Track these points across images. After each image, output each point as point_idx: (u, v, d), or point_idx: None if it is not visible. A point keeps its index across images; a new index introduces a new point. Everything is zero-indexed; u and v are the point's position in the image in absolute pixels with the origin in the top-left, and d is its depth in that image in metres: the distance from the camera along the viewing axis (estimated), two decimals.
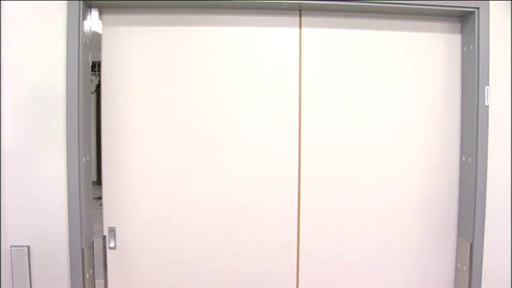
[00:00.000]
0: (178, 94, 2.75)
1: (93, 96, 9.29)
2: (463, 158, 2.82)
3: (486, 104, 2.70)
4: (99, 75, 9.35)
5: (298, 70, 2.77)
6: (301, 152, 2.78)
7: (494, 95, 2.72)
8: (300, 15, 2.77)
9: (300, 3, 2.64)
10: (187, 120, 2.75)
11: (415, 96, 2.81)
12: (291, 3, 2.64)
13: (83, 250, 2.58)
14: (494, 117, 2.73)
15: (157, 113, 2.74)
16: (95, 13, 2.70)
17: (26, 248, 2.59)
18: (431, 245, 2.88)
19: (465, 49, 2.78)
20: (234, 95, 2.75)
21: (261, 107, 2.76)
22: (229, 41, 2.75)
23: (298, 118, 2.78)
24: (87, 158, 2.65)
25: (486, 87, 2.69)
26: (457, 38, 2.83)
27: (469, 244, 2.77)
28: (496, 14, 2.70)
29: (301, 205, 2.80)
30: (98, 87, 9.55)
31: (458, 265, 2.86)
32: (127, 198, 2.76)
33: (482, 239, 2.75)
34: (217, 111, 2.75)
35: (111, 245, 2.77)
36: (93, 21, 2.71)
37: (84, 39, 2.57)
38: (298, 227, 2.80)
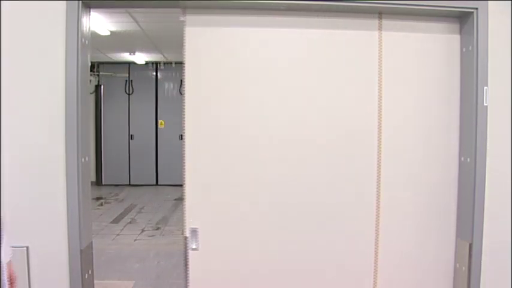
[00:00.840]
0: (259, 94, 2.73)
1: (92, 97, 9.33)
2: (462, 158, 2.82)
3: (485, 104, 2.70)
4: (98, 75, 9.36)
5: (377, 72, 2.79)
6: (381, 149, 2.80)
7: (493, 96, 2.72)
8: (380, 18, 2.77)
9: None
10: (268, 121, 2.73)
11: (414, 97, 2.81)
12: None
13: (81, 251, 2.58)
14: (493, 117, 2.73)
15: (238, 112, 2.72)
16: (94, 13, 2.71)
17: (25, 248, 2.59)
18: (431, 245, 2.89)
19: (464, 50, 2.78)
20: (313, 95, 2.75)
21: (340, 109, 2.75)
22: (308, 43, 2.74)
23: (378, 123, 2.79)
24: (86, 159, 2.66)
25: (485, 87, 2.69)
26: (455, 39, 2.83)
27: (467, 244, 2.77)
28: (494, 14, 2.70)
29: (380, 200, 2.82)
30: (97, 87, 9.60)
31: (457, 265, 2.86)
32: (208, 199, 2.74)
33: (481, 239, 2.75)
34: (295, 112, 2.74)
35: (193, 246, 2.74)
36: (91, 22, 2.71)
37: (83, 40, 2.57)
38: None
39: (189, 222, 2.72)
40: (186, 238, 2.72)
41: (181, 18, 2.70)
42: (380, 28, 2.77)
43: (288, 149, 2.73)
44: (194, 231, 2.72)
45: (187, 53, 2.74)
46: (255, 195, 2.73)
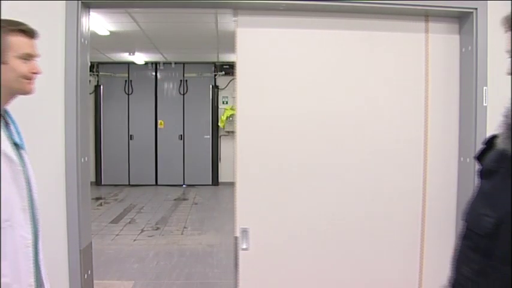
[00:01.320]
0: (308, 94, 2.72)
1: (92, 97, 9.36)
2: (461, 159, 2.82)
3: (484, 104, 2.70)
4: (98, 75, 9.39)
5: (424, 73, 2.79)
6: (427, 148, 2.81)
7: (493, 96, 2.72)
8: (427, 21, 2.77)
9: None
10: (318, 122, 2.73)
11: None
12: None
13: (81, 251, 2.58)
14: (493, 117, 2.73)
15: (289, 113, 2.72)
16: (93, 13, 2.70)
17: None
18: (431, 244, 2.88)
19: (463, 50, 2.78)
20: (360, 97, 2.75)
21: (386, 111, 2.76)
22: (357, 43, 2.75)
23: (424, 124, 2.80)
24: (86, 159, 2.65)
25: (484, 87, 2.69)
26: (455, 39, 2.83)
27: None
28: (494, 14, 2.70)
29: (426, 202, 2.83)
30: (97, 87, 9.63)
31: None
32: (259, 198, 2.74)
33: None
34: (350, 113, 2.74)
35: (244, 246, 2.73)
36: (91, 22, 2.71)
37: (82, 40, 2.57)
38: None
39: (240, 222, 2.73)
40: (236, 238, 2.73)
41: (234, 19, 2.74)
42: (427, 30, 2.79)
43: (342, 152, 2.74)
44: (245, 231, 2.72)
45: (238, 52, 2.78)
46: (306, 195, 2.72)
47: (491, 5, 2.70)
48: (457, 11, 2.71)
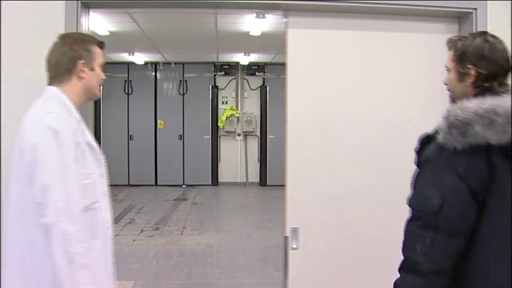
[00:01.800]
0: (358, 96, 2.74)
1: None
2: None
3: None
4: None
5: None
6: None
7: None
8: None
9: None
10: (367, 125, 2.74)
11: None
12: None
13: None
14: None
15: (338, 114, 2.73)
16: (93, 13, 2.70)
17: None
18: None
19: None
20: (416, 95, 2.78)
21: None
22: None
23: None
24: None
25: None
26: None
27: None
28: (494, 14, 2.70)
29: None
30: None
31: None
32: (308, 201, 2.73)
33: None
34: (402, 112, 2.76)
35: (294, 245, 2.71)
36: (90, 22, 2.71)
37: None
38: None
39: (290, 222, 2.72)
40: (286, 238, 2.71)
41: (284, 20, 2.76)
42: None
43: (391, 154, 2.75)
44: (295, 231, 2.70)
45: (289, 53, 2.80)
46: (356, 193, 2.73)
47: (491, 5, 2.70)
48: (457, 11, 2.71)
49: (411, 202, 1.45)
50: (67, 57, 1.78)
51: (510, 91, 1.46)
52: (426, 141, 1.48)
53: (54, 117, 1.68)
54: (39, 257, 1.55)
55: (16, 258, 1.65)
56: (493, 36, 1.62)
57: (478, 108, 1.33)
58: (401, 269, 1.44)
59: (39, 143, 1.65)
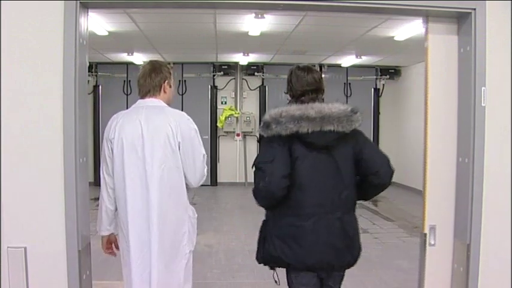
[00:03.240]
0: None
1: (90, 97, 9.32)
2: (460, 159, 2.82)
3: (483, 105, 2.70)
4: (97, 76, 9.38)
5: None
6: None
7: (491, 96, 2.72)
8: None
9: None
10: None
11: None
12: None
13: (79, 251, 2.57)
14: (491, 118, 2.73)
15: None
16: (91, 14, 2.70)
17: (23, 249, 2.58)
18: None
19: (462, 50, 2.79)
20: None
21: None
22: None
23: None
24: (84, 159, 2.65)
25: (483, 88, 2.69)
26: (453, 39, 2.83)
27: (465, 245, 2.77)
28: (492, 15, 2.70)
29: None
30: (95, 88, 9.60)
31: (455, 266, 2.86)
32: (446, 196, 2.82)
33: (479, 240, 2.75)
34: None
35: (432, 242, 2.79)
36: (89, 22, 2.70)
37: (81, 40, 2.57)
38: None
39: (429, 219, 2.79)
40: (425, 235, 2.79)
41: (424, 26, 2.78)
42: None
43: None
44: (433, 228, 2.79)
45: (430, 58, 2.82)
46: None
47: (490, 5, 2.70)
48: (456, 12, 2.71)
49: (255, 161, 2.31)
50: (158, 78, 2.51)
51: (315, 100, 2.29)
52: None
53: (185, 116, 2.52)
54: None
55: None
56: (301, 65, 2.44)
57: (275, 112, 2.20)
58: (254, 195, 2.32)
59: (193, 133, 2.46)
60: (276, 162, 2.19)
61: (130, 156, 2.34)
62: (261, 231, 2.42)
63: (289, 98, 2.40)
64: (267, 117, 2.22)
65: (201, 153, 2.47)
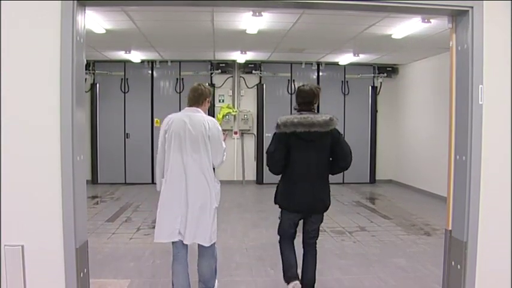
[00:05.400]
0: None
1: (88, 95, 9.31)
2: (457, 157, 2.83)
3: (480, 102, 2.71)
4: (94, 74, 9.37)
5: None
6: None
7: (488, 94, 2.72)
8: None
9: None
10: None
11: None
12: None
13: (77, 249, 2.58)
14: (488, 116, 2.74)
15: None
16: (89, 12, 2.70)
17: (20, 247, 2.58)
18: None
19: (459, 48, 2.79)
20: None
21: None
22: None
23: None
24: (81, 157, 2.65)
25: (480, 86, 2.70)
26: (451, 37, 2.83)
27: (463, 243, 2.78)
28: (490, 12, 2.71)
29: None
30: (93, 86, 9.60)
31: (453, 263, 2.87)
32: None
33: (476, 237, 2.76)
34: None
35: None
36: (87, 20, 2.70)
37: (78, 38, 2.56)
38: None
39: None
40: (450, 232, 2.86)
41: (449, 26, 2.84)
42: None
43: None
44: None
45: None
46: None
47: (488, 3, 2.70)
48: (453, 9, 2.72)
49: (267, 149, 3.52)
50: (205, 94, 3.57)
51: (309, 111, 3.45)
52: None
53: (215, 121, 3.53)
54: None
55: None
56: (304, 85, 3.63)
57: (283, 119, 3.37)
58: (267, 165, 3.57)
59: (218, 132, 3.49)
60: (276, 152, 3.44)
61: (175, 142, 3.40)
62: (276, 189, 3.66)
63: (296, 107, 3.58)
64: (279, 121, 3.40)
65: (222, 146, 3.54)
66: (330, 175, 3.53)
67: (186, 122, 3.42)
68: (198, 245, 3.51)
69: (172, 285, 3.56)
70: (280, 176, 3.60)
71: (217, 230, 3.50)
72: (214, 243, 3.54)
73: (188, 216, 3.40)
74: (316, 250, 3.63)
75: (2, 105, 2.52)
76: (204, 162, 3.42)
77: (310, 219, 3.55)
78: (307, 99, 3.48)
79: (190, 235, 3.40)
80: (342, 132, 3.44)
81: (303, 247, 3.63)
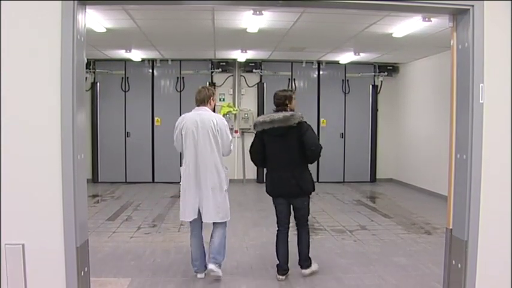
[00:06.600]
0: None
1: (88, 94, 9.34)
2: (458, 156, 2.83)
3: (481, 101, 2.71)
4: (94, 72, 9.40)
5: None
6: None
7: (489, 93, 2.72)
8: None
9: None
10: None
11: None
12: None
13: (77, 248, 2.58)
14: (489, 114, 2.74)
15: None
16: (89, 10, 2.70)
17: (21, 245, 2.58)
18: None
19: (460, 47, 2.79)
20: None
21: None
22: None
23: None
24: (82, 156, 2.65)
25: (481, 84, 2.70)
26: (451, 36, 2.83)
27: (463, 241, 2.78)
28: (491, 11, 2.71)
29: None
30: (93, 85, 9.63)
31: (453, 262, 2.87)
32: None
33: (476, 236, 2.76)
34: None
35: None
36: (87, 19, 2.70)
37: (78, 36, 2.56)
38: None
39: None
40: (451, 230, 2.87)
41: (450, 24, 2.84)
42: None
43: None
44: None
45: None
46: None
47: (488, 2, 2.70)
48: (454, 8, 2.72)
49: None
50: (209, 94, 4.20)
51: (281, 111, 4.11)
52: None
53: (221, 117, 4.23)
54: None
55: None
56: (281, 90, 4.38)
57: (256, 120, 4.28)
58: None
59: (225, 126, 4.21)
60: (254, 148, 4.26)
61: (189, 136, 4.11)
62: (265, 178, 4.41)
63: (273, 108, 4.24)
64: (255, 121, 4.22)
65: (229, 137, 4.25)
66: (309, 164, 4.16)
67: (197, 120, 4.11)
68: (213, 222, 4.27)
69: (192, 255, 4.32)
70: None
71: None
72: (225, 222, 4.37)
73: (203, 198, 4.16)
74: (308, 229, 4.31)
75: (2, 104, 2.53)
76: (213, 152, 4.14)
77: (295, 205, 4.20)
78: (280, 101, 4.21)
79: (206, 214, 4.20)
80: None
81: (297, 229, 4.28)
